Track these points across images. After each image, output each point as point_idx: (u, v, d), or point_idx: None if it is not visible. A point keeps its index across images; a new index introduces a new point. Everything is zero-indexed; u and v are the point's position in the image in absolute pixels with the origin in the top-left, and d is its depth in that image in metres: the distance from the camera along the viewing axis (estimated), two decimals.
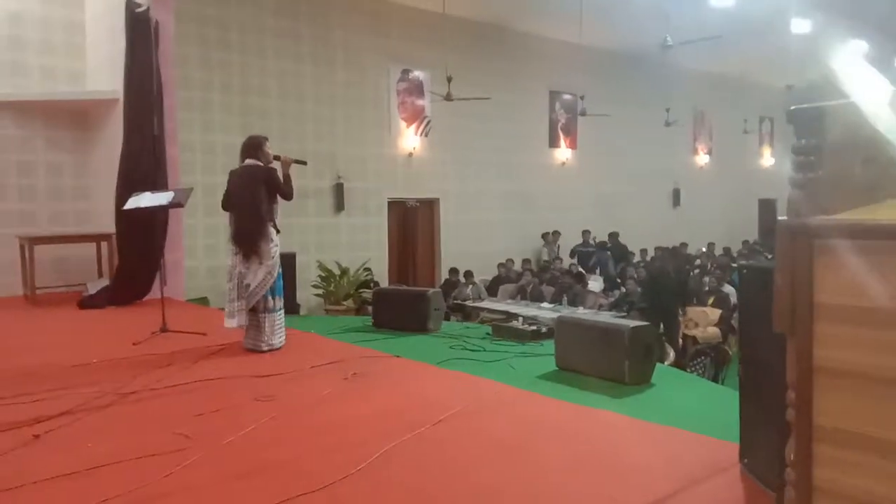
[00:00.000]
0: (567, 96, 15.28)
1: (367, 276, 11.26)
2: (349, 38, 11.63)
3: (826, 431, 1.72)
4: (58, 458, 3.04)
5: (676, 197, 18.03)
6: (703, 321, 9.51)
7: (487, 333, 6.14)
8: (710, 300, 10.16)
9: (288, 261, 6.98)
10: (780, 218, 1.82)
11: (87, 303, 7.54)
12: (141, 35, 7.55)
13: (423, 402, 3.99)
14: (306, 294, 10.54)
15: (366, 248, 11.94)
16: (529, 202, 14.58)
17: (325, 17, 11.33)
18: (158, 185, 7.28)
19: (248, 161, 5.32)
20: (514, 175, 14.24)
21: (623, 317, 6.54)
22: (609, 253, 14.55)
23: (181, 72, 9.06)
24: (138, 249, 7.46)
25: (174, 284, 7.72)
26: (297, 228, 10.49)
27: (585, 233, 14.84)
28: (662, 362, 5.57)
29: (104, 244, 8.25)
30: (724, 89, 18.43)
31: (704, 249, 16.10)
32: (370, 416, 3.68)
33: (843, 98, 1.89)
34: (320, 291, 10.81)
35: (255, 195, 5.16)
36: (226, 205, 5.37)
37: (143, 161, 7.49)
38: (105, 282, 8.00)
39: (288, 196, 5.37)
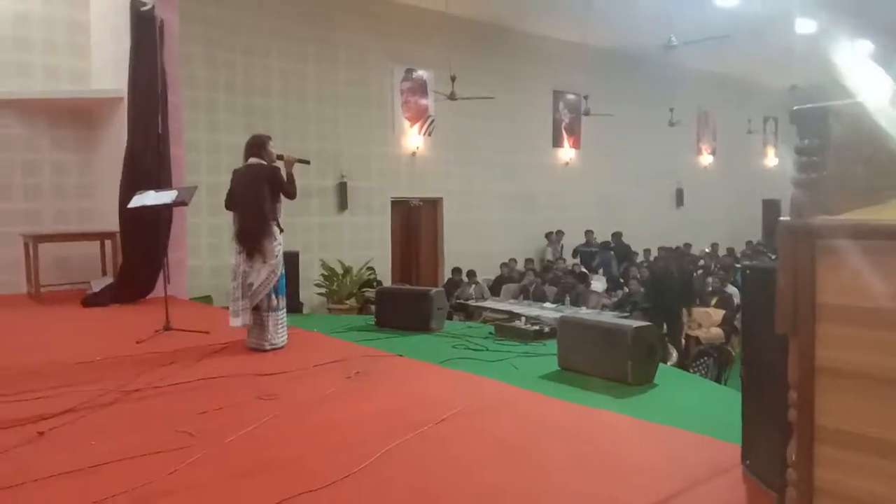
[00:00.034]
0: (571, 96, 15.28)
1: (370, 275, 11.28)
2: (353, 37, 11.64)
3: (828, 432, 1.72)
4: (61, 456, 3.05)
5: (680, 197, 18.01)
6: (706, 322, 9.51)
7: (490, 333, 6.14)
8: (714, 301, 10.15)
9: (291, 259, 6.99)
10: (782, 218, 1.82)
11: (91, 301, 7.56)
12: (146, 34, 7.55)
13: (425, 401, 4.00)
14: (309, 293, 10.55)
15: (369, 247, 11.95)
16: (532, 202, 14.58)
17: (328, 18, 11.34)
18: (162, 183, 7.29)
19: (252, 160, 5.33)
20: (517, 175, 14.24)
21: (626, 317, 6.53)
22: (612, 253, 14.54)
23: (186, 71, 9.08)
24: (142, 248, 7.47)
25: (178, 283, 7.72)
26: (300, 227, 10.51)
27: (588, 233, 14.83)
28: (665, 363, 5.56)
29: (108, 242, 8.27)
30: (727, 89, 18.40)
31: (708, 250, 16.09)
32: (373, 415, 3.68)
33: (847, 98, 1.88)
34: (323, 290, 10.82)
35: (258, 194, 5.17)
36: (229, 204, 5.38)
37: (148, 160, 7.49)
38: (109, 280, 8.02)
39: (291, 195, 5.37)
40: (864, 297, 1.64)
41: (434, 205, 13.20)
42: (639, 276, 11.33)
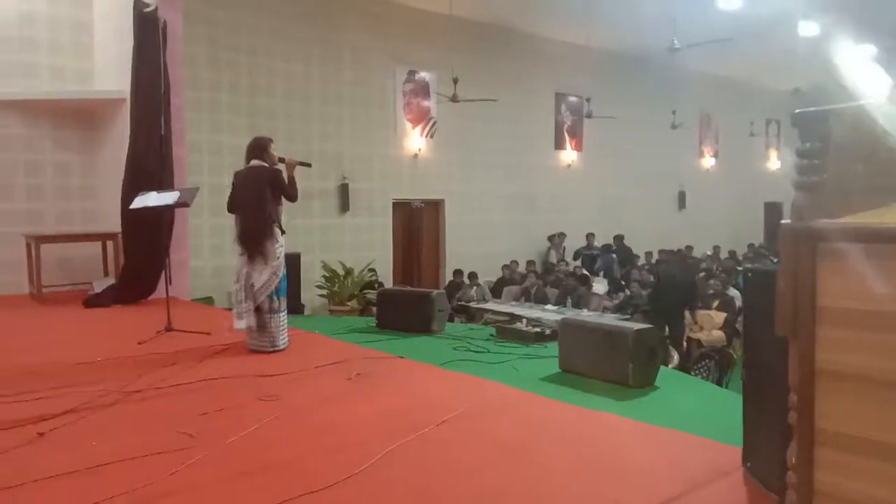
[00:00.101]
0: (573, 98, 15.28)
1: (371, 276, 11.28)
2: (355, 39, 11.65)
3: (828, 435, 1.72)
4: (62, 457, 3.05)
5: (682, 199, 18.00)
6: (707, 324, 9.51)
7: (491, 335, 6.13)
8: (715, 303, 10.15)
9: (292, 261, 6.98)
10: (783, 221, 1.82)
11: (93, 301, 7.56)
12: (149, 35, 7.56)
13: (426, 403, 4.00)
14: (310, 294, 10.55)
15: (370, 248, 11.96)
16: (534, 204, 14.58)
17: (331, 19, 11.36)
18: (165, 184, 7.29)
19: (254, 162, 5.33)
20: (519, 177, 14.25)
21: (627, 319, 6.53)
22: (614, 256, 14.53)
23: (189, 72, 9.10)
24: (144, 249, 7.47)
25: (179, 284, 7.72)
26: (301, 229, 10.52)
27: (589, 235, 14.82)
28: (666, 365, 5.56)
29: (110, 243, 8.28)
30: (730, 92, 18.40)
31: (710, 252, 16.08)
32: (373, 417, 3.68)
33: (849, 100, 1.88)
34: (324, 292, 10.83)
35: (260, 196, 5.18)
36: (231, 207, 5.38)
37: (150, 161, 7.49)
38: (111, 281, 8.02)
39: (292, 198, 5.38)
40: (864, 300, 1.64)
41: (436, 206, 13.21)
42: (640, 278, 11.32)
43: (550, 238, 14.64)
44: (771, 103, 19.23)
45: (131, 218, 7.09)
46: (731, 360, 6.78)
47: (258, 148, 5.37)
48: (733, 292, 10.47)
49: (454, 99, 11.39)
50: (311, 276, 10.53)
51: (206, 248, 9.81)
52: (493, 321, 7.40)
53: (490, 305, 9.16)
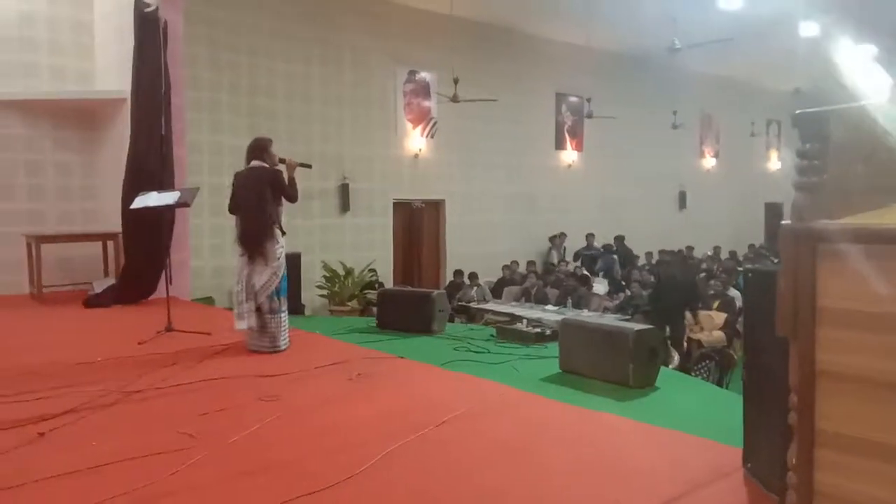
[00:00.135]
0: (573, 98, 15.28)
1: (371, 276, 11.28)
2: (356, 39, 11.65)
3: (828, 436, 1.72)
4: (62, 457, 3.05)
5: (682, 200, 18.00)
6: (708, 325, 9.51)
7: (491, 335, 6.13)
8: (716, 304, 10.15)
9: (293, 261, 6.98)
10: (783, 222, 1.82)
11: (93, 301, 7.56)
12: (149, 35, 7.56)
13: (426, 403, 3.99)
14: (311, 294, 10.56)
15: (371, 248, 11.96)
16: (535, 204, 14.58)
17: (332, 19, 11.36)
18: (165, 184, 7.29)
19: (254, 163, 5.34)
20: (519, 177, 14.25)
21: (628, 320, 6.53)
22: (615, 257, 14.52)
23: (190, 72, 9.10)
24: (144, 249, 7.47)
25: (180, 284, 7.72)
26: (302, 229, 10.53)
27: (589, 236, 14.82)
28: (667, 366, 5.56)
29: (110, 243, 8.29)
30: (731, 92, 18.40)
31: (710, 253, 16.08)
32: (374, 417, 3.68)
33: (850, 100, 1.88)
34: (325, 292, 10.83)
35: (260, 197, 5.18)
36: (232, 207, 5.39)
37: (150, 161, 7.50)
38: (111, 281, 8.03)
39: (292, 199, 5.38)
40: (865, 300, 1.64)
41: (436, 207, 13.21)
42: (640, 279, 11.32)
43: (552, 239, 14.64)
44: (772, 103, 19.23)
45: (132, 218, 7.10)
46: (732, 361, 6.78)
47: (258, 149, 5.38)
48: (734, 293, 10.47)
49: (455, 99, 11.39)
50: (312, 277, 10.54)
51: (206, 248, 9.81)
52: (493, 321, 7.40)
53: (490, 306, 9.15)
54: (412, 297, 6.75)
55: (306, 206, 10.37)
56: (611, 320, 5.45)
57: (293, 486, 2.74)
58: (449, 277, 12.56)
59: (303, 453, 3.17)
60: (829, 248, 1.69)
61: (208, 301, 8.96)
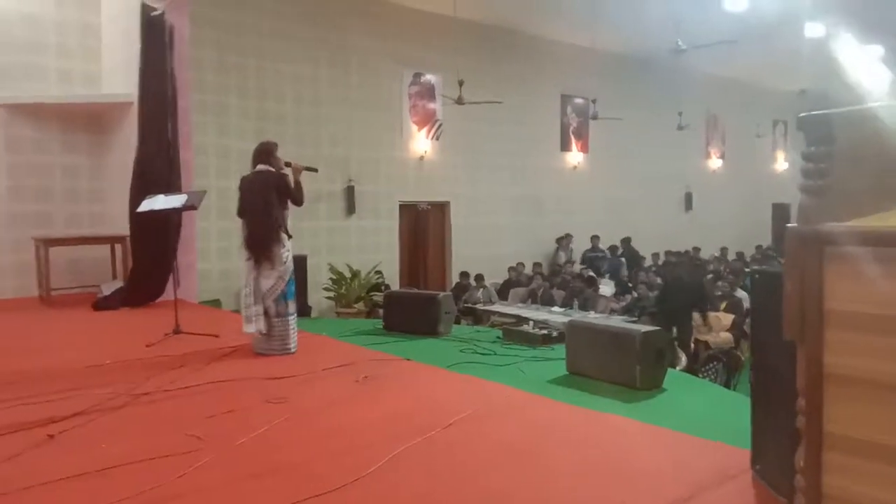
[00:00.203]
0: (579, 100, 15.26)
1: (377, 279, 11.29)
2: (362, 42, 11.66)
3: (836, 439, 1.72)
4: (71, 459, 3.07)
5: (689, 201, 17.95)
6: (715, 326, 9.48)
7: (498, 337, 6.14)
8: (723, 305, 10.12)
9: (299, 263, 7.01)
10: (789, 225, 1.82)
11: (101, 304, 7.60)
12: (156, 38, 7.60)
13: (433, 405, 4.00)
14: (317, 297, 10.58)
15: (377, 251, 11.96)
16: (540, 206, 14.57)
17: (338, 22, 11.38)
18: (172, 187, 7.33)
19: (260, 167, 5.36)
20: (525, 179, 14.24)
21: (634, 321, 6.52)
22: (623, 259, 14.50)
23: (196, 75, 9.13)
24: (152, 252, 7.50)
25: (187, 286, 7.76)
26: (308, 231, 10.54)
27: (594, 238, 14.79)
28: (674, 367, 5.55)
29: (118, 246, 8.32)
30: (736, 93, 18.34)
31: (717, 254, 16.03)
32: (380, 419, 3.69)
33: (856, 101, 1.88)
34: (331, 294, 10.85)
35: (267, 201, 5.20)
36: (239, 212, 5.41)
37: (157, 164, 7.53)
38: (119, 283, 8.06)
39: (299, 202, 5.40)
40: (872, 303, 1.64)
41: (442, 209, 13.21)
42: (647, 280, 11.29)
43: (558, 240, 14.63)
44: (777, 104, 19.17)
45: (139, 221, 7.13)
46: (739, 363, 6.76)
47: (264, 153, 5.40)
48: (741, 294, 10.44)
49: (460, 101, 11.39)
50: (318, 279, 10.56)
51: (213, 250, 9.84)
52: (499, 323, 7.41)
53: (496, 307, 9.15)
54: (418, 299, 6.76)
55: (312, 208, 10.40)
56: (617, 322, 5.44)
57: (300, 488, 2.75)
58: (455, 279, 12.56)
59: (310, 455, 3.18)
60: (836, 251, 1.69)
61: (216, 304, 8.99)
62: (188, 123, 8.12)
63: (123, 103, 8.22)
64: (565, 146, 15.24)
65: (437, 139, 12.85)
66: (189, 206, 6.13)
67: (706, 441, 3.32)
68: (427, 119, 12.70)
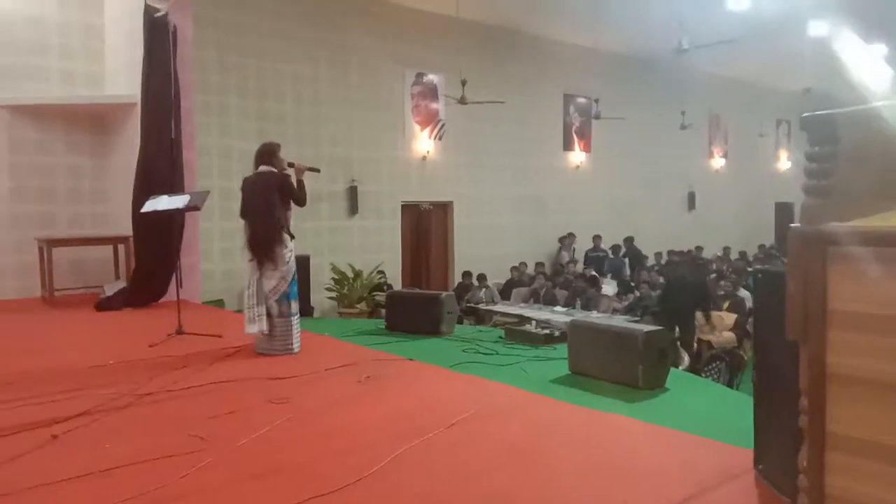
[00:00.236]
0: (581, 99, 15.25)
1: (380, 279, 11.29)
2: (363, 42, 11.66)
3: (839, 439, 1.72)
4: (75, 459, 3.07)
5: (692, 200, 17.93)
6: (718, 326, 9.47)
7: (500, 337, 6.14)
8: (726, 305, 10.11)
9: (302, 263, 7.02)
10: (792, 224, 1.81)
11: (105, 305, 7.61)
12: (159, 39, 7.61)
13: (435, 405, 4.00)
14: (320, 297, 10.58)
15: (379, 251, 11.97)
16: (543, 206, 14.56)
17: (339, 22, 11.38)
18: (175, 188, 7.34)
19: (262, 168, 5.36)
20: (527, 178, 14.24)
21: (637, 321, 6.52)
22: (626, 259, 14.48)
23: (199, 76, 9.14)
24: (155, 252, 7.52)
25: (190, 287, 7.77)
26: (310, 231, 10.55)
27: (596, 238, 14.78)
28: (677, 367, 5.54)
29: (121, 247, 8.34)
30: (739, 93, 18.31)
31: (720, 254, 16.01)
32: (383, 420, 3.69)
33: (860, 101, 1.88)
34: (334, 294, 10.85)
35: (269, 202, 5.20)
36: (242, 213, 5.41)
37: (161, 164, 7.55)
38: (122, 284, 8.07)
39: (301, 202, 5.41)
40: (875, 303, 1.64)
41: (444, 208, 13.21)
42: (650, 279, 11.28)
43: (561, 240, 14.62)
44: (781, 104, 19.14)
45: (142, 221, 7.15)
46: (742, 362, 6.76)
47: (267, 153, 5.40)
48: (744, 293, 10.42)
49: (462, 101, 11.39)
50: (321, 279, 10.56)
51: (216, 251, 9.85)
52: (502, 323, 7.41)
53: (499, 307, 9.15)
54: (421, 298, 6.76)
55: (315, 208, 10.40)
56: (620, 321, 5.44)
57: (302, 488, 2.75)
58: (457, 279, 12.56)
59: (312, 456, 3.19)
60: (840, 251, 1.69)
61: (218, 304, 9.00)
62: (191, 124, 8.14)
63: (126, 104, 8.23)
64: (568, 146, 15.23)
65: (440, 139, 12.85)
66: (192, 207, 6.14)
67: (709, 441, 3.32)
68: (430, 119, 12.70)
